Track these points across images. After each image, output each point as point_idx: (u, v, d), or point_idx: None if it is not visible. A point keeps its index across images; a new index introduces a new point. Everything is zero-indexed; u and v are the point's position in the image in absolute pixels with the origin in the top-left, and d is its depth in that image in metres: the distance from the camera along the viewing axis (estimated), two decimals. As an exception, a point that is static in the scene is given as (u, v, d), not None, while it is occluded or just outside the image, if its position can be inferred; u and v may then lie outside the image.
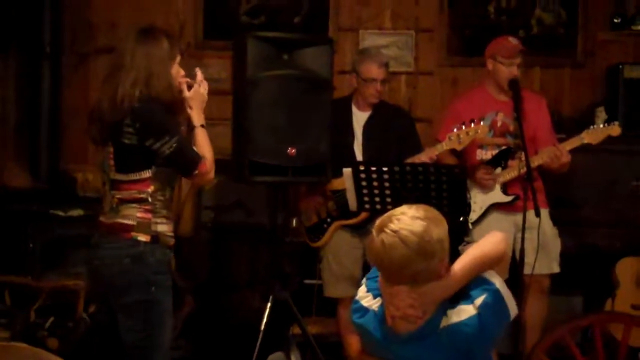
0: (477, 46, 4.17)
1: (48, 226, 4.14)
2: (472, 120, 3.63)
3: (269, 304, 3.59)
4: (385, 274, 2.10)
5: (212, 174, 2.74)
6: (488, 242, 2.19)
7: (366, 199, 3.32)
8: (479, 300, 2.08)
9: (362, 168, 3.29)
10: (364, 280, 2.27)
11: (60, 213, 4.16)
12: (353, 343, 3.76)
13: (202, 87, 2.79)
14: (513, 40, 3.86)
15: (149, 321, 2.67)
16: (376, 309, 2.16)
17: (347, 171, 3.38)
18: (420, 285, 2.05)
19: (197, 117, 2.77)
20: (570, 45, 4.98)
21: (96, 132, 2.73)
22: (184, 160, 2.68)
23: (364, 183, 3.28)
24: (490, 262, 2.15)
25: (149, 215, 2.68)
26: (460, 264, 2.12)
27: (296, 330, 3.74)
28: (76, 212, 4.16)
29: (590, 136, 3.70)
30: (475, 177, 3.77)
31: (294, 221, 4.14)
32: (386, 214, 2.09)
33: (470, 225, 3.67)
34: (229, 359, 4.09)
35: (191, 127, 2.76)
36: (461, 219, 3.59)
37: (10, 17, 4.70)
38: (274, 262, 3.84)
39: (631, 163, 4.37)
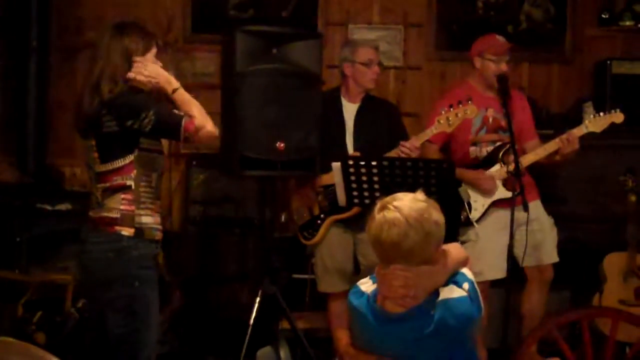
0: (466, 41, 4.17)
1: (35, 220, 4.13)
2: (459, 102, 3.61)
3: (257, 299, 3.59)
4: (381, 252, 2.18)
5: (208, 127, 2.67)
6: (455, 247, 2.34)
7: (355, 193, 3.32)
8: (465, 285, 2.19)
9: (350, 162, 3.29)
10: None
11: (48, 207, 4.16)
12: (342, 337, 3.77)
13: (148, 65, 2.72)
14: (500, 38, 3.85)
15: (133, 316, 2.67)
16: (370, 293, 2.25)
17: (336, 165, 3.37)
18: (414, 266, 2.13)
19: (167, 85, 2.73)
20: (558, 41, 5.01)
21: (79, 126, 2.76)
22: (167, 127, 2.66)
23: (352, 177, 3.27)
24: (463, 262, 2.30)
25: (132, 207, 2.68)
26: (449, 258, 2.23)
27: (285, 324, 3.74)
28: (64, 206, 4.15)
29: (594, 124, 3.70)
30: (475, 184, 3.72)
31: (283, 216, 4.13)
32: (389, 196, 2.18)
33: (475, 224, 3.67)
34: (218, 353, 4.09)
35: (169, 99, 2.73)
36: (462, 218, 3.60)
37: (-3, 12, 4.68)
38: (263, 256, 3.83)
39: (618, 158, 4.39)
